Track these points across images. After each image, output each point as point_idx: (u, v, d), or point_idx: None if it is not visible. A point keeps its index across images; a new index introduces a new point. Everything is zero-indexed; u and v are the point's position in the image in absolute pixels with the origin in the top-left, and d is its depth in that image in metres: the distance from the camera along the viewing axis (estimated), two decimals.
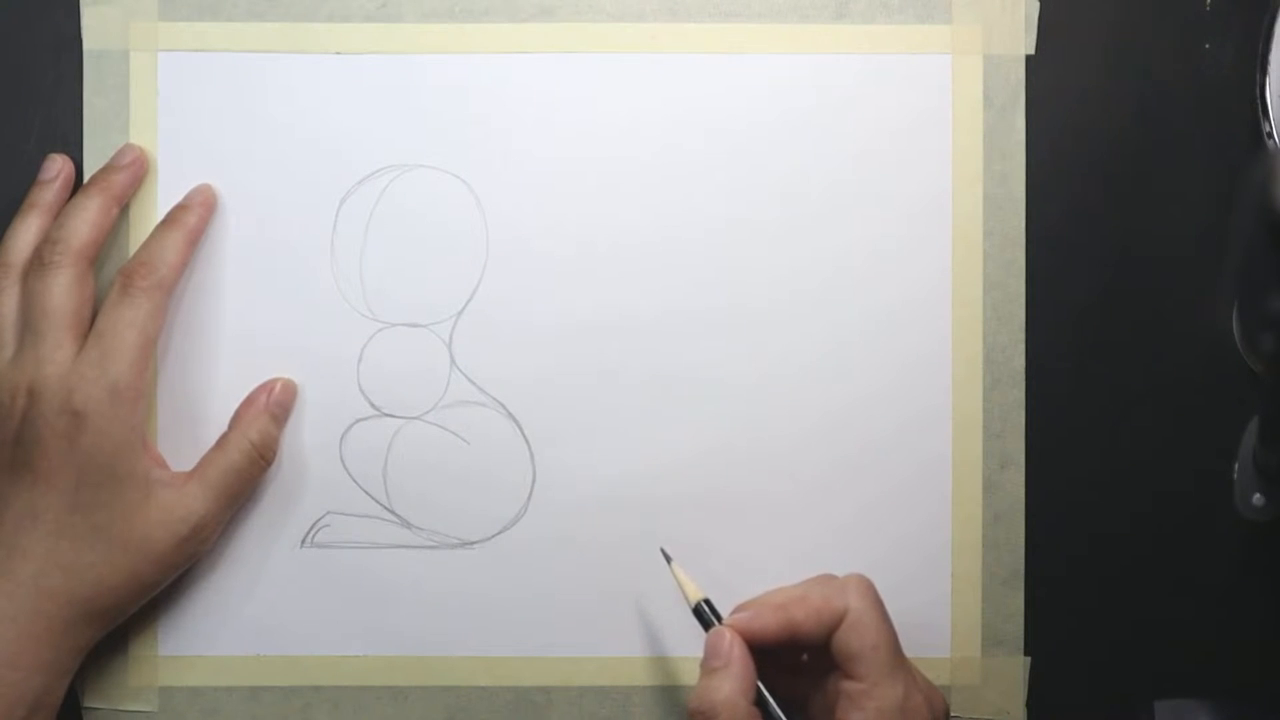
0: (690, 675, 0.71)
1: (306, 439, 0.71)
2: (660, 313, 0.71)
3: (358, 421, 0.72)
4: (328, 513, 0.72)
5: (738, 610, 0.66)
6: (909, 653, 0.67)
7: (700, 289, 0.71)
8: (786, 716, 0.65)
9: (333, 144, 0.71)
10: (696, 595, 0.67)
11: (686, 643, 0.71)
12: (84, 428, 0.66)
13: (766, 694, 0.65)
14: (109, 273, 0.71)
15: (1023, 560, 0.71)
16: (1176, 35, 0.72)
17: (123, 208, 0.71)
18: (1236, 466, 0.71)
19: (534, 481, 0.71)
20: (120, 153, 0.71)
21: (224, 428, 0.70)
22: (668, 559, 0.69)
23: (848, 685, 0.64)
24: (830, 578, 0.67)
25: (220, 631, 0.71)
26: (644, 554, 0.70)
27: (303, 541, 0.71)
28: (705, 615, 0.67)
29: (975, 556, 0.71)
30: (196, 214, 0.70)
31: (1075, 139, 0.71)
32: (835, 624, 0.65)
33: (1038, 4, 0.71)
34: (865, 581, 0.66)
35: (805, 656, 0.67)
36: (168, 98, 0.71)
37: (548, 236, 0.71)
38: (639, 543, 0.71)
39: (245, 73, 0.72)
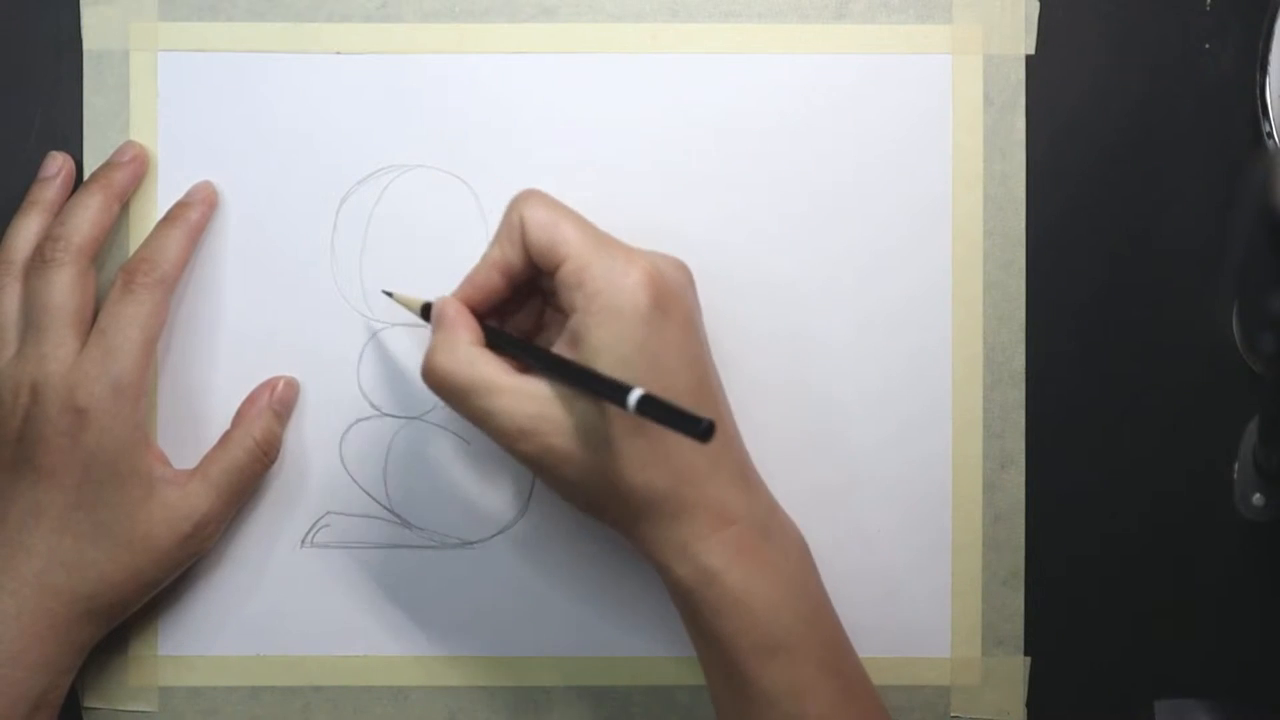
0: (691, 675, 0.71)
1: (307, 439, 0.71)
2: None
3: (358, 421, 0.72)
4: (328, 513, 0.72)
5: None
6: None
7: (699, 288, 0.71)
8: (527, 344, 0.66)
9: (333, 144, 0.71)
10: (418, 302, 0.68)
11: (686, 643, 0.70)
12: (87, 425, 0.66)
13: (498, 330, 0.66)
14: (109, 271, 0.71)
15: (1023, 560, 0.71)
16: (1176, 35, 0.72)
17: (123, 205, 0.71)
18: (1236, 466, 0.71)
19: (534, 481, 0.71)
20: (120, 150, 0.71)
21: (224, 426, 0.70)
22: (389, 294, 0.70)
23: (560, 275, 0.64)
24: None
25: (220, 631, 0.71)
26: None
27: (303, 541, 0.71)
28: (429, 310, 0.68)
29: (975, 556, 0.71)
30: (198, 211, 0.70)
31: (1075, 139, 0.71)
32: (523, 238, 0.65)
33: (1038, 4, 0.71)
34: (534, 191, 0.65)
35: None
36: (168, 98, 0.71)
37: None
38: None
39: (245, 73, 0.72)
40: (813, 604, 0.65)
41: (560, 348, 0.64)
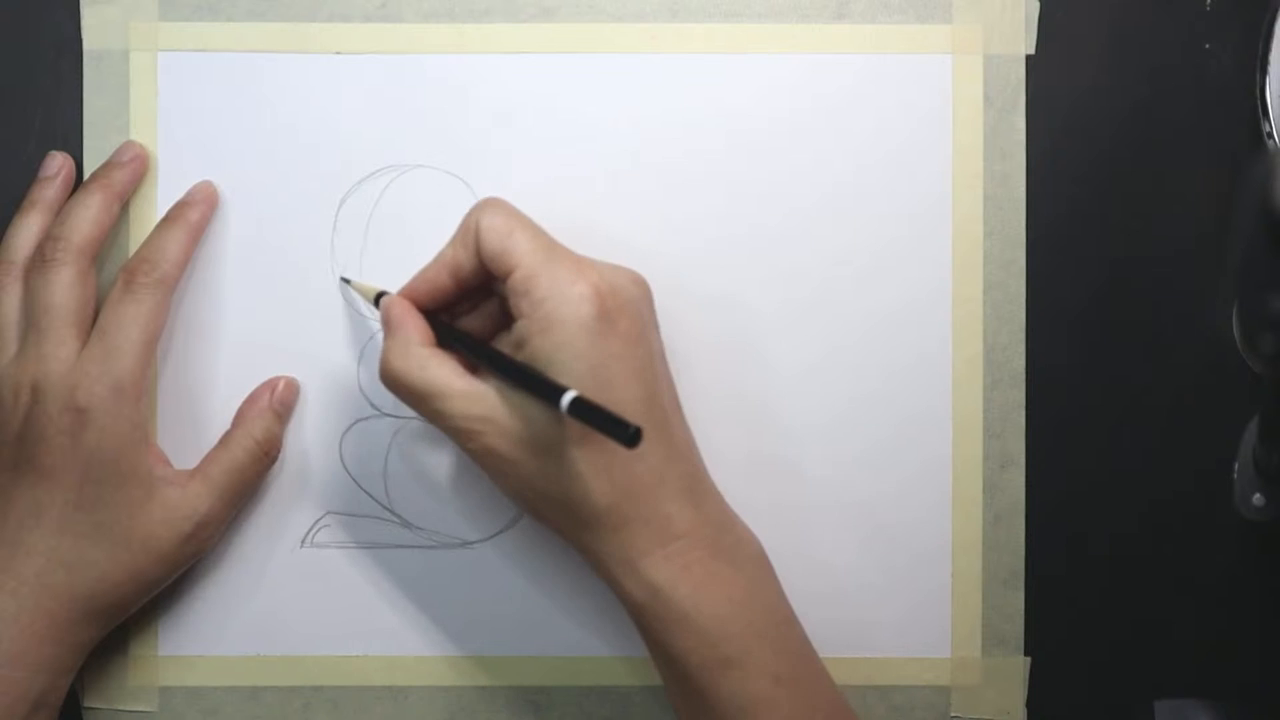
0: None
1: (307, 439, 0.71)
2: (659, 312, 0.71)
3: (358, 421, 0.72)
4: (328, 513, 0.72)
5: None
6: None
7: (699, 289, 0.71)
8: (473, 340, 0.66)
9: (333, 144, 0.71)
10: (374, 291, 0.69)
11: None
12: (87, 425, 0.66)
13: (448, 325, 0.66)
14: (109, 271, 0.71)
15: (1023, 560, 0.71)
16: (1176, 35, 0.72)
17: (123, 205, 0.71)
18: (1236, 466, 0.71)
19: None
20: (120, 150, 0.71)
21: (224, 426, 0.70)
22: (346, 281, 0.70)
23: (510, 282, 0.64)
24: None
25: (220, 631, 0.71)
26: None
27: (303, 541, 0.71)
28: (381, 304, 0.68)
29: (975, 556, 0.71)
30: (199, 210, 0.70)
31: (1075, 139, 0.71)
32: (477, 243, 0.66)
33: (1038, 4, 0.71)
34: (494, 199, 0.66)
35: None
36: (168, 98, 0.71)
37: None
38: None
39: (245, 73, 0.72)
40: (769, 617, 0.65)
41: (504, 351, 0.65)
